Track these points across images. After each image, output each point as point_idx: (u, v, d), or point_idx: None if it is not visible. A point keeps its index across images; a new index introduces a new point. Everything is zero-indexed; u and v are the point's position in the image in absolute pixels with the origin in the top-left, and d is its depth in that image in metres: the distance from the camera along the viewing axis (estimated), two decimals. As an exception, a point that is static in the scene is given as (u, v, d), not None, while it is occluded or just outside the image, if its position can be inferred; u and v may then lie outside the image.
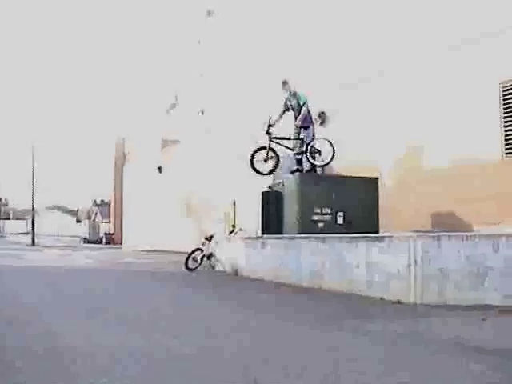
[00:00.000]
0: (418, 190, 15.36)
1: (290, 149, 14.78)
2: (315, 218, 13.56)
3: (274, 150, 14.29)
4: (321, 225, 13.49)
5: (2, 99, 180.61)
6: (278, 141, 14.51)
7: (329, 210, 13.64)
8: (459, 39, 14.28)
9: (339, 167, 16.42)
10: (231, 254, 16.16)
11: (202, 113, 29.92)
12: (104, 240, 55.62)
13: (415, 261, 9.16)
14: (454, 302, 8.90)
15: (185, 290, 12.35)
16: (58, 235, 79.47)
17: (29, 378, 4.61)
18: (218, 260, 16.90)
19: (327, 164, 14.45)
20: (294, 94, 14.71)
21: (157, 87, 36.91)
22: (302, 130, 14.58)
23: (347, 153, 15.27)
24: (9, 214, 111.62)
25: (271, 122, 14.37)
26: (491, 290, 8.98)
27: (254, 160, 14.07)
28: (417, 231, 10.47)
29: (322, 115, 18.07)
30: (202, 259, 16.80)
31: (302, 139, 14.54)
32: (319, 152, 14.39)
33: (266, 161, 14.13)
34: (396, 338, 6.49)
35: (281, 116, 14.82)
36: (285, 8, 21.34)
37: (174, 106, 34.17)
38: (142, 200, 37.34)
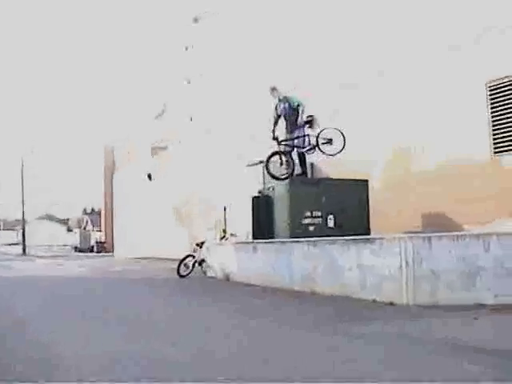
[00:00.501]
0: (412, 190, 15.37)
1: (301, 147, 14.75)
2: (306, 221, 13.56)
3: (286, 154, 14.36)
4: (312, 228, 13.49)
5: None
6: (286, 142, 14.60)
7: (319, 213, 13.65)
8: (457, 39, 14.35)
9: (335, 167, 16.44)
10: (222, 259, 16.13)
11: (191, 119, 29.89)
12: (95, 248, 55.41)
13: (407, 262, 9.19)
14: (447, 302, 8.92)
15: (178, 296, 12.33)
16: (49, 245, 79.18)
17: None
18: (209, 266, 16.88)
19: (338, 153, 14.45)
20: (285, 99, 14.72)
21: (145, 94, 36.88)
22: (306, 126, 14.70)
23: (336, 156, 15.20)
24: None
25: (273, 128, 14.51)
26: (483, 289, 9.01)
27: (270, 165, 14.12)
28: (408, 232, 10.50)
29: (309, 118, 18.06)
30: (193, 265, 16.80)
31: (308, 135, 14.63)
32: (330, 141, 14.44)
33: (281, 164, 14.26)
34: (391, 339, 6.50)
35: (276, 123, 14.86)
36: (282, 8, 21.35)
37: (162, 112, 34.15)
38: (133, 208, 37.26)
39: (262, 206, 14.72)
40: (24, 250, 50.91)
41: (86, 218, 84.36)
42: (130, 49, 38.65)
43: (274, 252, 13.40)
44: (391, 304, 9.21)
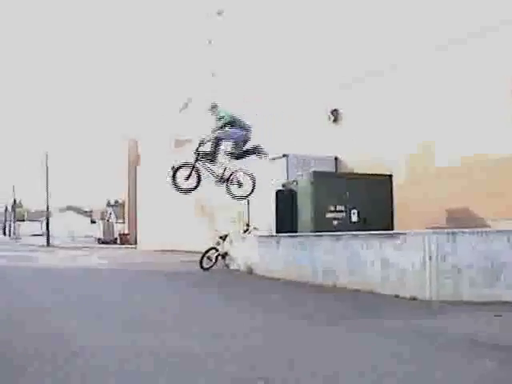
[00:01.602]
0: (436, 186, 15.27)
1: (214, 175, 14.07)
2: (329, 215, 13.58)
3: (197, 169, 13.73)
4: (335, 222, 13.50)
5: (16, 103, 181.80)
6: (204, 162, 13.98)
7: (343, 208, 13.66)
8: (476, 31, 14.23)
9: (360, 162, 16.42)
10: (245, 252, 16.18)
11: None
12: (118, 240, 55.65)
13: (430, 257, 9.17)
14: (469, 298, 8.90)
15: (200, 289, 12.39)
16: (72, 236, 79.76)
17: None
18: (232, 259, 16.92)
19: (246, 197, 14.22)
20: (220, 119, 13.80)
21: (169, 87, 36.98)
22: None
23: (360, 150, 15.19)
24: (23, 216, 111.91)
25: (204, 142, 13.86)
26: (506, 285, 8.98)
27: (177, 175, 13.55)
28: (431, 228, 10.48)
29: (334, 113, 18.05)
30: (216, 258, 16.83)
31: (227, 168, 14.01)
32: (240, 185, 14.00)
33: (187, 178, 13.58)
34: (410, 334, 6.51)
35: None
36: (296, 4, 21.33)
37: (186, 105, 34.20)
38: (156, 200, 37.37)
39: (285, 200, 14.74)
40: (48, 240, 51.30)
41: (109, 209, 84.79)
42: (152, 44, 38.71)
43: (297, 246, 13.43)
44: (414, 299, 9.21)
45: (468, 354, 5.50)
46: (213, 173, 14.00)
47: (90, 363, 5.12)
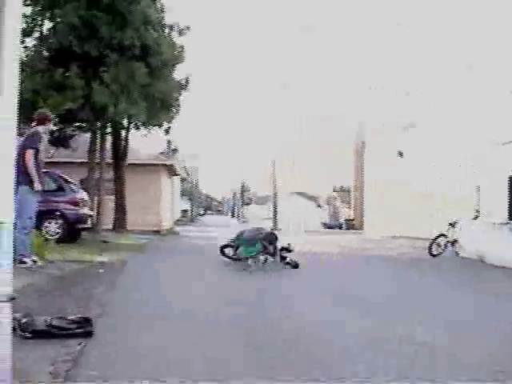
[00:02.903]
0: None
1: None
2: None
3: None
4: None
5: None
6: None
7: None
8: None
9: None
10: (475, 240, 15.78)
11: (439, 97, 29.36)
12: (344, 226, 56.10)
13: None
14: None
15: (429, 276, 12.32)
16: (298, 221, 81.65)
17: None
18: (462, 246, 16.59)
19: None
20: None
21: (395, 70, 36.80)
22: None
23: None
24: (250, 200, 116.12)
25: None
26: None
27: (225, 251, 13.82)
28: None
29: None
30: (445, 245, 16.61)
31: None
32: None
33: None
34: None
35: None
36: None
37: (410, 90, 33.85)
38: (384, 185, 37.29)
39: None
40: (275, 224, 53.11)
41: (335, 195, 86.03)
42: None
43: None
44: None
45: None
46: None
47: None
